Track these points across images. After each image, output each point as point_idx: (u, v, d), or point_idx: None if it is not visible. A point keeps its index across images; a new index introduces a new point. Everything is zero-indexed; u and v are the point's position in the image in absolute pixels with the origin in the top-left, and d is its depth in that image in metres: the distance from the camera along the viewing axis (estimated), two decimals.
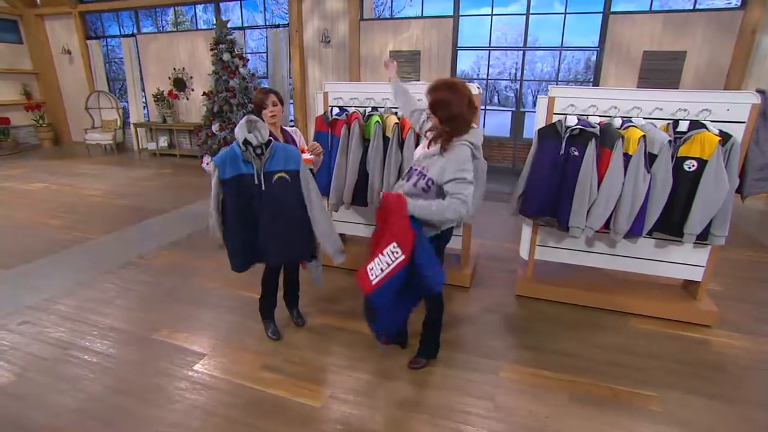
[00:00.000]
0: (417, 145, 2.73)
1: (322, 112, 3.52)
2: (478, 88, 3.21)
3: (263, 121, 2.43)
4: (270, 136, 2.34)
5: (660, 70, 6.58)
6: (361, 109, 3.36)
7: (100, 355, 2.66)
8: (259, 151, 2.24)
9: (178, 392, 2.36)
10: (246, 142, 2.21)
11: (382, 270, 1.97)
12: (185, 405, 2.27)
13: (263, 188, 2.27)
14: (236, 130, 2.20)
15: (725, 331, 2.95)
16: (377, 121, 3.19)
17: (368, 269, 2.02)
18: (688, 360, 2.66)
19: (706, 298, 3.12)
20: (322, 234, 2.42)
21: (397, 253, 1.94)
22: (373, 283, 1.98)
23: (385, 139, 3.20)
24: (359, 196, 3.36)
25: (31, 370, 2.53)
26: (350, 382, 2.45)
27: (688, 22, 6.43)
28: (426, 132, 2.23)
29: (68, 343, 2.78)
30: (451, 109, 2.01)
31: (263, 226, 2.34)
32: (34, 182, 7.21)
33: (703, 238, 2.82)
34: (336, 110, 3.40)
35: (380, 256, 1.97)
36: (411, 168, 2.16)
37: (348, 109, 3.40)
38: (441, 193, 2.05)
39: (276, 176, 2.27)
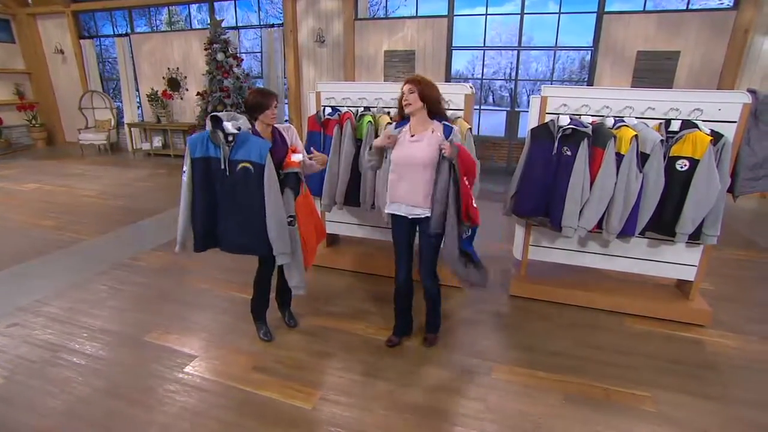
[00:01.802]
0: None
1: (315, 112, 3.50)
2: (471, 88, 3.22)
3: (262, 122, 2.46)
4: (257, 135, 2.40)
5: (654, 70, 6.60)
6: (354, 109, 3.34)
7: (89, 358, 2.63)
8: (230, 137, 2.29)
9: (168, 394, 2.34)
10: (217, 121, 2.27)
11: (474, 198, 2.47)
12: (175, 407, 2.25)
13: (227, 174, 2.31)
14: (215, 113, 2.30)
15: (718, 331, 2.95)
16: (369, 121, 3.17)
17: (474, 205, 2.48)
18: (681, 360, 2.66)
19: (699, 297, 3.12)
20: (272, 235, 2.38)
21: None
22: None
23: None
24: (352, 197, 3.34)
25: (20, 373, 2.50)
26: (342, 383, 2.43)
27: (681, 22, 6.45)
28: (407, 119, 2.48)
29: (58, 345, 2.75)
30: (433, 92, 2.40)
31: (223, 212, 2.41)
32: (26, 183, 7.16)
33: (695, 237, 2.83)
34: (328, 110, 3.38)
35: (472, 189, 2.45)
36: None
37: (340, 108, 3.38)
38: None
39: (240, 165, 2.30)
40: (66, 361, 2.61)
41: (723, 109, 2.73)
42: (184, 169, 2.37)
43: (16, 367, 2.55)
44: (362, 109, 3.36)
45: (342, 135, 3.27)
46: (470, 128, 3.08)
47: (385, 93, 3.35)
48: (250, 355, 2.66)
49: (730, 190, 2.89)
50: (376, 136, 3.19)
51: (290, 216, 2.47)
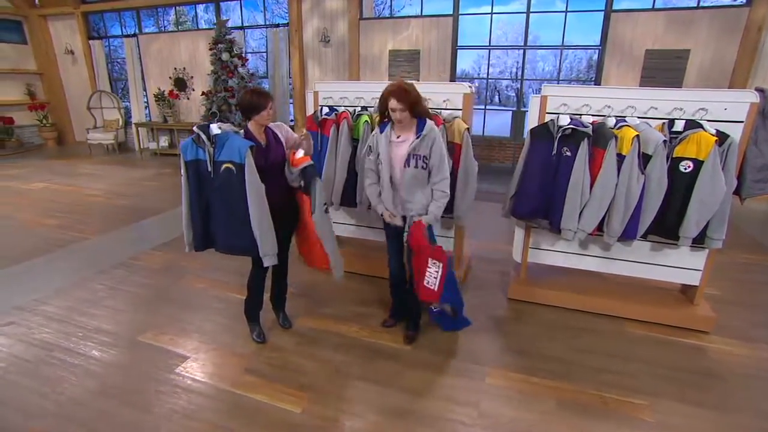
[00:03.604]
0: None
1: (312, 112, 3.48)
2: (469, 87, 3.17)
3: (256, 122, 2.47)
4: (250, 135, 2.45)
5: (663, 69, 6.47)
6: (351, 109, 3.31)
7: (83, 357, 2.64)
8: (214, 139, 2.32)
9: (159, 396, 2.33)
10: (204, 127, 2.33)
11: (435, 278, 2.43)
12: (165, 409, 2.23)
13: (213, 176, 2.35)
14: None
15: (722, 338, 2.87)
16: (366, 121, 3.14)
17: (425, 284, 2.44)
18: (682, 367, 2.58)
19: (704, 303, 3.03)
20: (255, 235, 2.38)
21: (437, 264, 2.42)
22: (436, 289, 2.43)
23: None
24: (348, 197, 3.31)
25: (13, 372, 2.51)
26: (333, 387, 2.40)
27: (692, 19, 6.31)
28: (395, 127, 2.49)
29: (52, 344, 2.76)
30: (419, 100, 2.38)
31: (213, 213, 2.45)
32: (34, 182, 7.25)
33: (699, 241, 2.75)
34: (326, 110, 3.35)
35: (428, 270, 2.43)
36: (409, 155, 2.42)
37: (338, 108, 3.35)
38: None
39: (223, 166, 2.32)
40: (60, 360, 2.61)
41: (729, 108, 2.64)
42: (182, 172, 2.42)
43: (10, 365, 2.56)
44: (359, 108, 3.32)
45: (339, 135, 3.24)
46: (468, 128, 3.02)
47: None
48: (243, 357, 2.64)
49: (737, 192, 2.80)
50: None
51: (324, 204, 2.54)
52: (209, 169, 2.33)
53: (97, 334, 2.89)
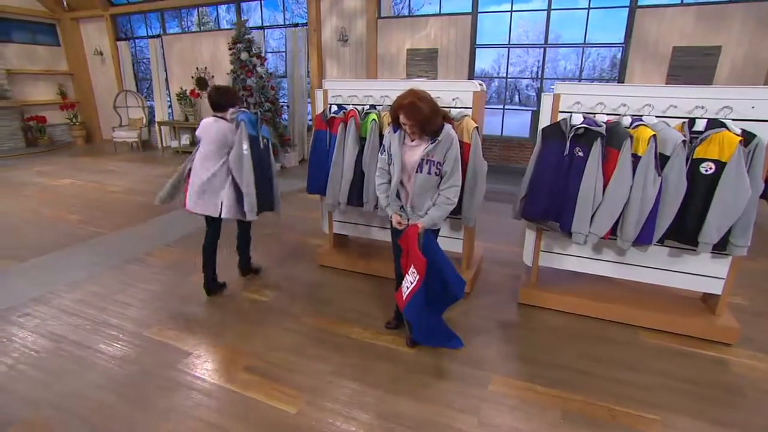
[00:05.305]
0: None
1: (321, 111, 3.46)
2: (480, 85, 3.09)
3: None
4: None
5: (691, 67, 6.18)
6: (360, 107, 3.27)
7: (89, 350, 2.68)
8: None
9: (158, 392, 2.34)
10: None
11: (407, 288, 2.40)
12: (162, 405, 2.24)
13: (261, 147, 3.11)
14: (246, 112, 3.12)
15: (746, 350, 2.69)
16: (374, 120, 3.09)
17: (402, 287, 2.44)
18: (700, 381, 2.43)
19: (727, 313, 2.86)
20: (275, 190, 3.32)
21: (415, 274, 2.35)
22: (404, 298, 2.41)
23: (382, 138, 3.09)
24: (355, 197, 3.27)
25: (22, 362, 2.57)
26: (331, 388, 2.36)
27: (723, 14, 6.01)
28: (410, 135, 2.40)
29: (61, 336, 2.82)
30: (431, 115, 2.26)
31: (259, 180, 3.09)
32: (62, 178, 7.51)
33: (721, 247, 2.59)
34: (334, 108, 3.33)
35: (407, 276, 2.42)
36: (422, 160, 2.36)
37: (346, 106, 3.32)
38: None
39: (263, 139, 3.16)
40: (67, 352, 2.66)
41: (757, 106, 2.47)
42: (249, 145, 2.96)
43: (21, 356, 2.63)
44: (368, 106, 3.28)
45: (346, 133, 3.20)
46: (477, 127, 2.94)
47: (392, 91, 3.25)
48: (243, 355, 2.64)
49: (764, 196, 2.63)
50: (380, 134, 3.11)
51: None
52: (260, 142, 3.08)
53: (105, 327, 2.94)
